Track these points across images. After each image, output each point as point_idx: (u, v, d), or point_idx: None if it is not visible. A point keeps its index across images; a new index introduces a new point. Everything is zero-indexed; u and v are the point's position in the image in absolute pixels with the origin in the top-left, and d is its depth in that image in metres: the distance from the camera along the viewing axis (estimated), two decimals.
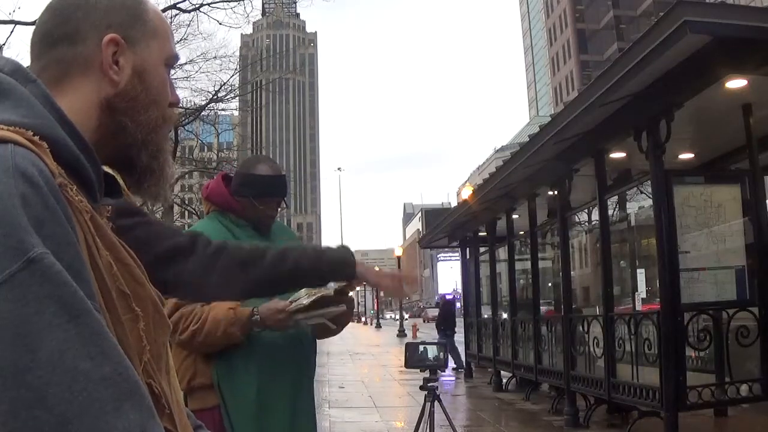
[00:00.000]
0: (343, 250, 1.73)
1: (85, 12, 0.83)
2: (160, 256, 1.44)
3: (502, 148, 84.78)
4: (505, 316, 11.47)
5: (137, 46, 0.86)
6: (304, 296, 2.02)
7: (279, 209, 2.36)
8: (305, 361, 2.25)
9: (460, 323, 15.46)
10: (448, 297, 18.31)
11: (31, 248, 0.61)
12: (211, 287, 1.54)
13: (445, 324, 15.60)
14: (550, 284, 10.58)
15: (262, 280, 1.59)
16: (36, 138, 0.69)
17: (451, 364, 14.12)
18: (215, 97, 18.77)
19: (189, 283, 1.51)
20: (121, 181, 0.95)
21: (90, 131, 0.80)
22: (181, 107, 17.88)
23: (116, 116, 0.84)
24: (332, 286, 2.11)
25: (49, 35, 0.84)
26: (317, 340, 2.35)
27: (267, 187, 2.27)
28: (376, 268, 1.87)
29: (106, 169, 0.84)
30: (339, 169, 78.44)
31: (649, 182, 6.12)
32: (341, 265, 1.69)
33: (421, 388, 4.54)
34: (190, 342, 2.06)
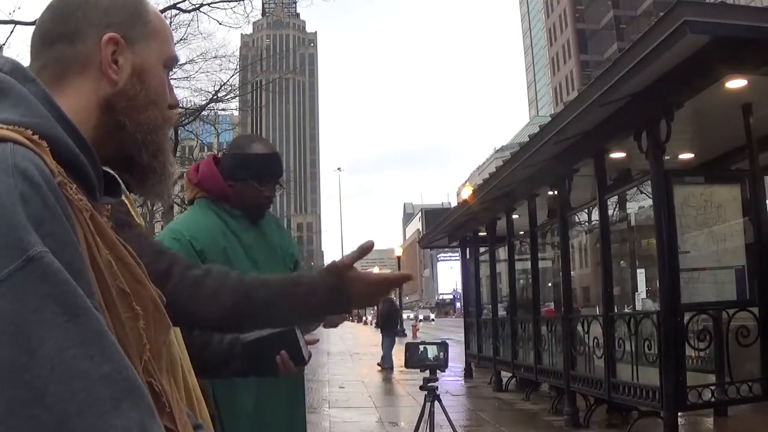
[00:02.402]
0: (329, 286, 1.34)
1: (85, 11, 0.84)
2: None
3: (502, 148, 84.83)
4: (502, 310, 11.47)
5: (137, 46, 0.86)
6: None
7: (277, 190, 2.20)
8: (299, 371, 2.21)
9: (455, 323, 15.68)
10: (389, 297, 18.98)
11: (30, 247, 0.61)
12: (185, 318, 1.34)
13: (385, 323, 15.77)
14: (550, 284, 10.58)
15: (238, 324, 1.41)
16: (35, 137, 0.69)
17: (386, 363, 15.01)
18: (215, 97, 18.74)
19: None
20: (121, 182, 0.95)
21: (89, 130, 0.80)
22: (181, 107, 17.85)
23: (115, 115, 0.84)
24: None
25: (49, 34, 0.84)
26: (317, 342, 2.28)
27: (264, 167, 2.12)
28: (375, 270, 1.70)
29: (106, 168, 0.84)
30: (339, 169, 78.59)
31: (649, 182, 6.13)
32: (332, 309, 1.38)
33: (421, 388, 4.54)
34: None
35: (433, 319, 76.13)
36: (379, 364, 15.29)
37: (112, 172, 0.86)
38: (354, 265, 1.33)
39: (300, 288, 1.33)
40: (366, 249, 1.32)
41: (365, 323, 62.44)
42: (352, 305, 1.34)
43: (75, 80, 0.82)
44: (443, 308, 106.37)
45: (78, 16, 0.83)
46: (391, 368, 14.74)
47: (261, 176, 2.10)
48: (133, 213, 1.46)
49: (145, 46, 0.87)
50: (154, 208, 19.65)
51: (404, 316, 72.41)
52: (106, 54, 0.83)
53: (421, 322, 63.26)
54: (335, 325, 2.04)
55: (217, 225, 2.08)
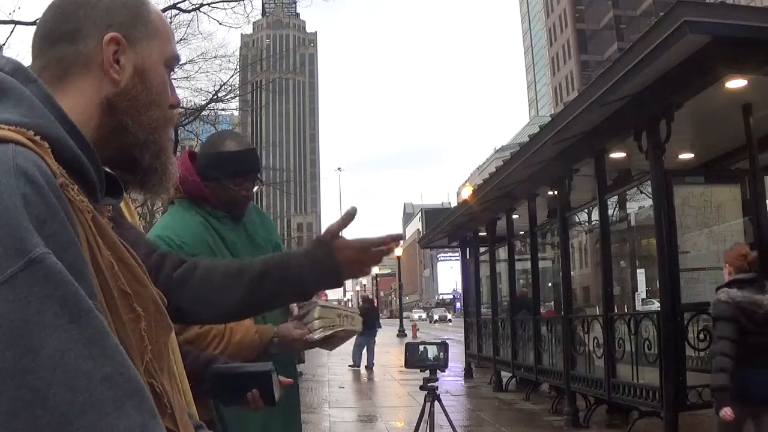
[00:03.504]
0: (318, 258, 1.33)
1: (87, 11, 0.84)
2: None
3: (502, 148, 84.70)
4: (498, 312, 11.47)
5: (138, 46, 0.86)
6: (318, 329, 1.89)
7: (254, 187, 2.10)
8: (295, 374, 2.18)
9: (455, 322, 15.76)
10: (368, 296, 19.49)
11: (32, 248, 0.61)
12: (176, 313, 1.30)
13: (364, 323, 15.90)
14: (550, 284, 10.59)
15: (238, 306, 1.37)
16: (37, 138, 0.69)
17: (364, 362, 15.32)
18: (215, 97, 18.71)
19: None
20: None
21: (91, 130, 0.80)
22: (181, 107, 17.83)
23: (117, 115, 0.84)
24: (351, 320, 1.98)
25: (51, 34, 0.84)
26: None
27: (239, 164, 2.02)
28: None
29: (107, 168, 0.84)
30: (339, 169, 78.59)
31: (649, 182, 6.13)
32: (325, 280, 1.36)
33: (421, 388, 4.54)
34: None
35: (450, 320, 60.04)
36: (366, 367, 15.30)
37: (113, 173, 0.86)
38: (341, 233, 1.34)
39: (292, 259, 1.34)
40: (350, 215, 1.34)
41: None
42: (343, 274, 1.35)
43: (76, 80, 0.82)
44: (424, 310, 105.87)
45: (79, 16, 0.83)
46: (359, 366, 15.10)
47: (235, 175, 2.01)
48: (127, 212, 1.44)
49: (146, 46, 0.87)
50: (154, 208, 19.63)
51: (416, 315, 66.50)
52: (108, 54, 0.83)
53: (436, 324, 54.17)
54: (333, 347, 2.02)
55: (202, 227, 2.02)
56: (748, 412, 3.92)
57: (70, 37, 0.83)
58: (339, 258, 1.32)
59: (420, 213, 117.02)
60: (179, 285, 1.33)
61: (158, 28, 0.89)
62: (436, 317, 60.16)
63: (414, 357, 4.48)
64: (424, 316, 69.37)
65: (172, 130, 0.92)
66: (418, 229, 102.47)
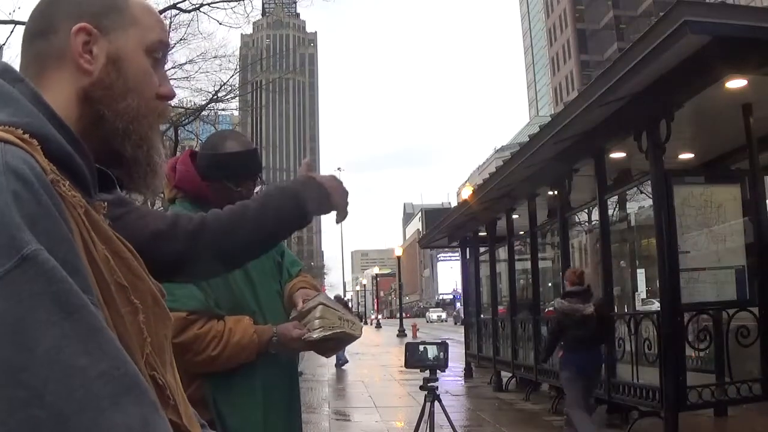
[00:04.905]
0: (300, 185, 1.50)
1: (60, 4, 0.84)
2: (144, 243, 1.33)
3: (502, 148, 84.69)
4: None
5: (112, 35, 0.85)
6: (317, 329, 1.89)
7: (256, 187, 2.06)
8: (295, 373, 2.18)
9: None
10: (340, 296, 19.54)
11: (24, 245, 0.60)
12: (201, 262, 1.43)
13: None
14: (550, 284, 10.58)
15: (251, 239, 1.48)
16: (26, 136, 0.69)
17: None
18: (215, 97, 18.70)
19: (177, 264, 1.41)
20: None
21: (72, 123, 0.80)
22: (181, 107, 17.82)
23: (93, 105, 0.83)
24: (351, 325, 1.96)
25: (29, 32, 0.85)
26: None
27: (240, 166, 1.99)
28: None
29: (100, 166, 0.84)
30: (339, 169, 78.31)
31: (649, 182, 6.13)
32: (318, 199, 1.52)
33: (421, 388, 4.54)
34: (206, 366, 1.84)
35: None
36: (336, 365, 15.28)
37: (108, 171, 0.86)
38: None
39: (282, 187, 1.53)
40: (308, 164, 1.57)
41: (365, 323, 62.00)
42: (331, 195, 1.53)
43: (53, 74, 0.82)
44: (443, 308, 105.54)
45: (52, 11, 0.84)
46: (344, 363, 15.19)
47: (236, 176, 1.99)
48: None
49: (121, 34, 0.86)
50: (154, 208, 19.61)
51: (434, 315, 57.41)
52: (77, 44, 0.83)
53: (461, 326, 46.31)
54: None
55: None
56: (580, 382, 5.96)
57: (44, 32, 0.84)
58: (321, 180, 1.50)
59: (420, 213, 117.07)
60: (197, 233, 1.44)
61: (136, 16, 0.88)
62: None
63: (414, 357, 4.48)
64: (444, 316, 60.48)
65: (158, 122, 0.90)
66: (418, 229, 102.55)
